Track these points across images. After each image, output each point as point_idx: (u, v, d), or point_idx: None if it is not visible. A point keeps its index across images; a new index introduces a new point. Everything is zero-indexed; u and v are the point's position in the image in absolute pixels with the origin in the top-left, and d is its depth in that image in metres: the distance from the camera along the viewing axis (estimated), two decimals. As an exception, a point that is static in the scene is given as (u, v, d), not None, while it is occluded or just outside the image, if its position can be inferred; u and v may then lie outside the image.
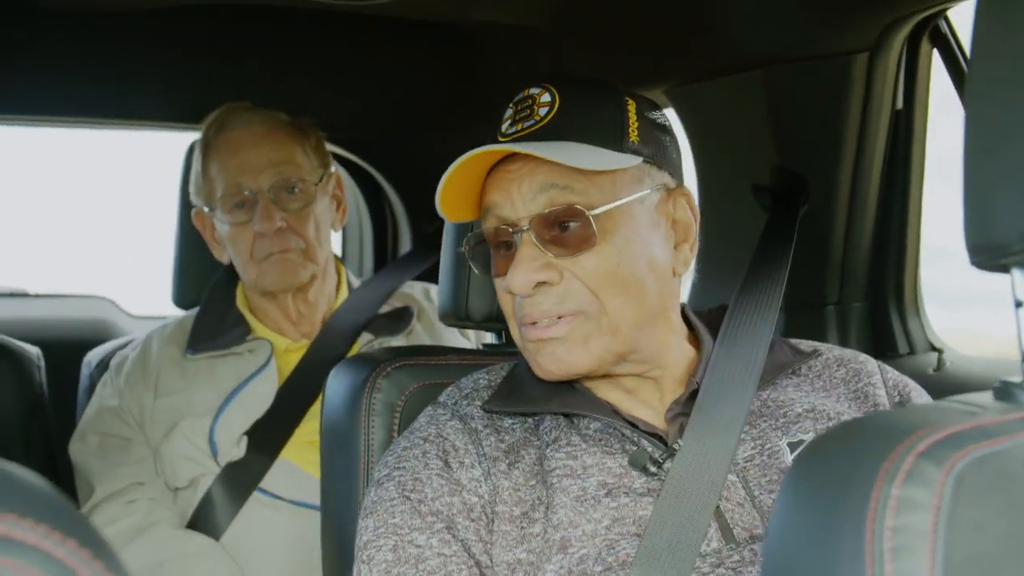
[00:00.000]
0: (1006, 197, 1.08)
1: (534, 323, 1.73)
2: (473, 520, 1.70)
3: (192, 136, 3.10)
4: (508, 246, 1.74)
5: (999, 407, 1.07)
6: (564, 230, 1.70)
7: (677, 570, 1.63)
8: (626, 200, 1.73)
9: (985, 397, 1.11)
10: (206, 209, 2.79)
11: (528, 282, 1.70)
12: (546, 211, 1.70)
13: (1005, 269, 1.14)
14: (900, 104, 2.50)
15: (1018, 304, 1.14)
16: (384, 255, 3.92)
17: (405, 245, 3.82)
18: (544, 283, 1.71)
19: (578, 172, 1.70)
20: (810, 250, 2.40)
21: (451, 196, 1.78)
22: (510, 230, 1.73)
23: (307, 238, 2.73)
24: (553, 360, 1.73)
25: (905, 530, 0.95)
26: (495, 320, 2.06)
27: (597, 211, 1.70)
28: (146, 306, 4.02)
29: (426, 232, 3.57)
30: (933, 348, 2.60)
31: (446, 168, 2.02)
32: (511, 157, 1.74)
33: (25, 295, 3.97)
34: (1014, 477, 0.98)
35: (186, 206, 3.02)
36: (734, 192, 2.49)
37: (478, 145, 1.72)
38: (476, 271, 1.83)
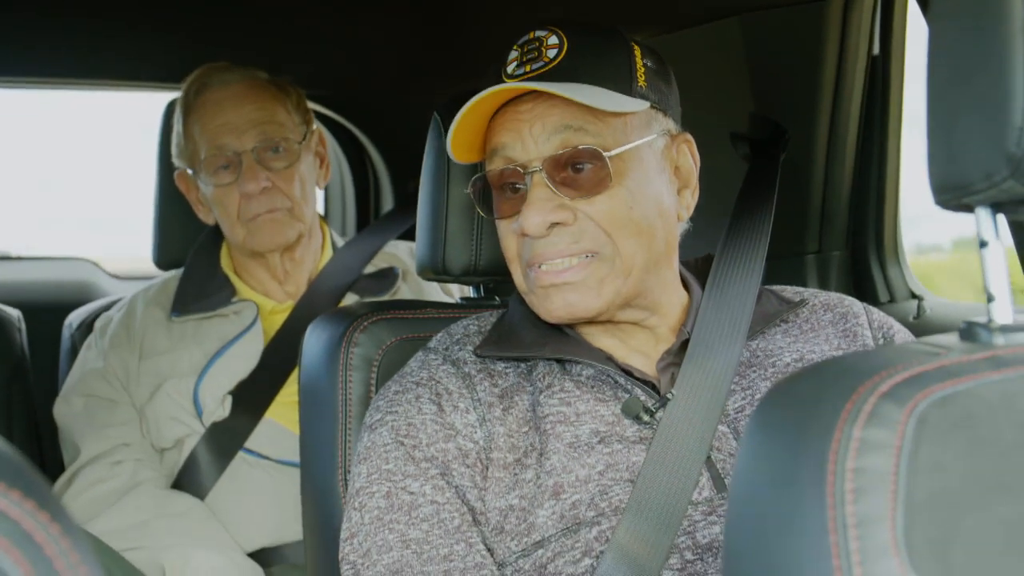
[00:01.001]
0: (970, 137, 1.08)
1: (541, 266, 1.72)
2: (468, 466, 1.70)
3: (170, 96, 3.08)
4: (515, 188, 1.74)
5: (963, 347, 1.07)
6: (577, 171, 1.69)
7: (669, 517, 1.64)
8: (637, 143, 1.73)
9: (950, 338, 1.11)
10: (189, 171, 2.77)
11: (543, 222, 1.69)
12: (561, 152, 1.69)
13: (969, 209, 1.13)
14: (876, 50, 2.49)
15: (983, 244, 1.14)
16: (366, 214, 3.91)
17: (387, 203, 3.80)
18: (558, 224, 1.70)
19: (592, 114, 1.70)
20: (789, 199, 2.39)
21: (455, 137, 1.76)
22: (521, 171, 1.72)
23: (293, 197, 2.72)
24: (564, 304, 1.73)
25: (866, 471, 0.95)
26: (473, 273, 2.05)
27: (613, 152, 1.70)
28: (128, 266, 4.00)
29: (408, 191, 3.56)
30: (913, 296, 2.60)
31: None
32: (521, 97, 1.73)
33: (6, 258, 3.95)
34: (976, 417, 0.98)
35: (165, 167, 3.00)
36: (713, 142, 2.48)
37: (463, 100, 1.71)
38: (482, 213, 1.81)
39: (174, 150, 2.81)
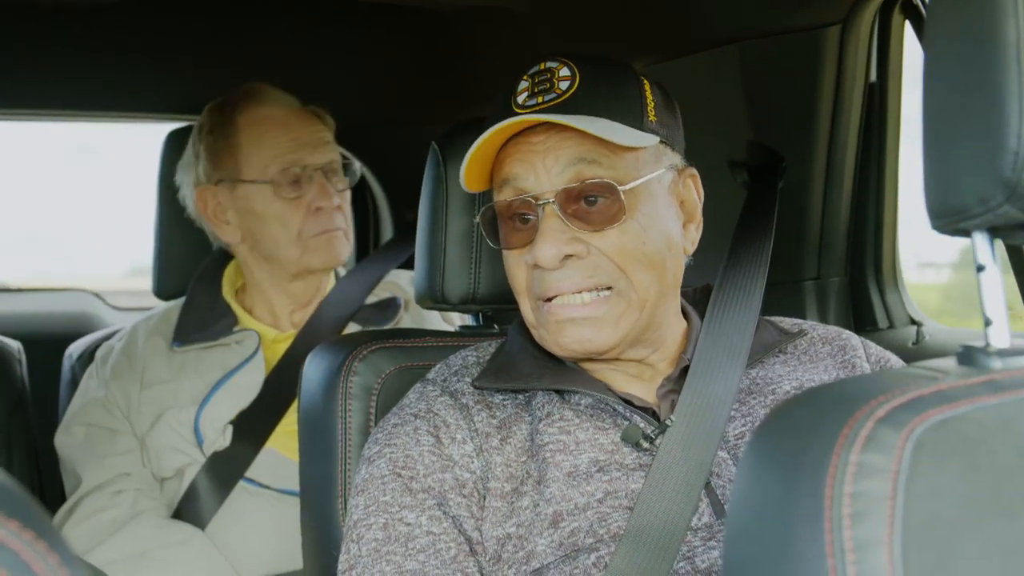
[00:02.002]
0: (965, 162, 1.08)
1: (551, 299, 1.72)
2: (465, 496, 1.70)
3: (170, 127, 3.09)
4: (524, 219, 1.73)
5: (961, 371, 1.07)
6: (590, 204, 1.69)
7: (666, 543, 1.64)
8: (648, 178, 1.73)
9: (948, 362, 1.11)
10: (238, 184, 2.77)
11: (557, 254, 1.69)
12: (575, 184, 1.69)
13: (966, 233, 1.13)
14: (873, 77, 2.50)
15: (980, 268, 1.14)
16: (366, 244, 3.91)
17: (387, 233, 3.81)
18: (571, 256, 1.70)
19: (605, 147, 1.70)
20: (787, 226, 2.39)
21: (466, 167, 1.76)
22: (533, 202, 1.71)
23: (348, 219, 2.80)
24: (578, 340, 1.73)
25: (864, 496, 0.94)
26: (472, 302, 2.05)
27: (627, 187, 1.70)
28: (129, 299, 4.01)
29: (407, 220, 3.56)
30: (912, 321, 2.60)
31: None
32: (533, 128, 1.72)
33: (7, 289, 3.96)
34: (973, 440, 0.98)
35: (165, 198, 3.01)
36: (711, 170, 2.49)
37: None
38: (491, 244, 1.80)
39: (202, 167, 2.80)
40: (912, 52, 2.49)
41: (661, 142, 1.76)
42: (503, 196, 1.75)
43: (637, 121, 1.73)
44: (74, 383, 2.91)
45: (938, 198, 1.12)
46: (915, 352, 2.45)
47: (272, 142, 2.73)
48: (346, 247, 2.79)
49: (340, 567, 1.72)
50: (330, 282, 2.90)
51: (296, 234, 2.73)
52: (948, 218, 1.12)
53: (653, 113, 1.75)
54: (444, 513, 1.69)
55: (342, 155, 2.85)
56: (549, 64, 1.75)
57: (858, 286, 2.63)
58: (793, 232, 2.55)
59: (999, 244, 1.15)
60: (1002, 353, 1.09)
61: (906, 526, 0.93)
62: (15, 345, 2.97)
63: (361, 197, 3.89)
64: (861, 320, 2.63)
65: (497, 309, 2.13)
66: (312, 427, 2.07)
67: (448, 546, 1.67)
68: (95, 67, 3.22)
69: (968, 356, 1.10)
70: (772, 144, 2.41)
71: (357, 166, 2.89)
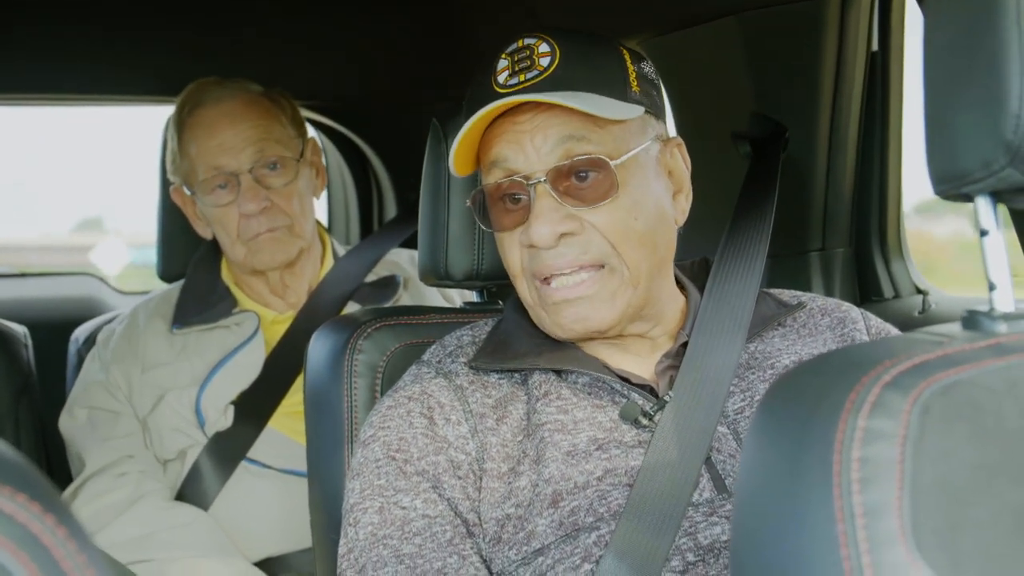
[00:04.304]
0: (968, 126, 1.08)
1: (547, 279, 1.71)
2: (460, 478, 1.70)
3: (170, 110, 3.09)
4: (515, 199, 1.72)
5: (966, 336, 1.07)
6: (582, 180, 1.68)
7: (667, 518, 1.63)
8: (637, 150, 1.72)
9: (953, 327, 1.11)
10: (186, 188, 2.77)
11: (553, 233, 1.68)
12: (566, 162, 1.68)
13: (969, 198, 1.13)
14: (875, 46, 2.49)
15: (983, 233, 1.14)
16: (370, 223, 3.91)
17: (390, 212, 3.81)
18: (566, 234, 1.69)
19: (593, 122, 1.68)
20: (791, 197, 2.39)
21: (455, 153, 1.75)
22: (524, 182, 1.70)
23: (292, 214, 2.72)
24: (577, 319, 1.72)
25: (872, 460, 0.95)
26: (476, 278, 2.05)
27: (618, 161, 1.69)
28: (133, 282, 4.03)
29: (410, 199, 3.56)
30: (918, 291, 2.60)
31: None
32: (519, 107, 1.70)
33: (12, 275, 3.97)
34: (980, 404, 0.98)
35: (167, 181, 3.01)
36: (714, 141, 2.48)
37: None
38: (483, 227, 1.79)
39: (169, 166, 2.80)
40: (913, 20, 2.48)
41: (646, 112, 1.75)
42: (492, 178, 1.74)
43: (621, 93, 1.71)
44: (80, 367, 2.91)
45: (941, 163, 1.12)
46: (921, 321, 2.45)
47: (200, 148, 2.70)
48: (292, 243, 2.73)
49: (340, 550, 1.73)
50: (326, 264, 2.89)
51: (235, 237, 2.71)
52: (951, 183, 1.12)
53: (636, 84, 1.74)
54: (439, 496, 1.69)
55: (303, 134, 2.81)
56: (527, 41, 1.73)
57: (863, 256, 2.63)
58: (797, 204, 2.54)
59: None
60: (1007, 317, 1.10)
61: (915, 490, 0.93)
62: (21, 330, 2.98)
63: (364, 177, 3.89)
64: (866, 290, 2.62)
65: (501, 285, 2.12)
66: (318, 406, 2.07)
67: (444, 529, 1.66)
68: (100, 50, 3.22)
69: (973, 321, 1.11)
70: (774, 115, 2.40)
71: (308, 150, 2.82)
